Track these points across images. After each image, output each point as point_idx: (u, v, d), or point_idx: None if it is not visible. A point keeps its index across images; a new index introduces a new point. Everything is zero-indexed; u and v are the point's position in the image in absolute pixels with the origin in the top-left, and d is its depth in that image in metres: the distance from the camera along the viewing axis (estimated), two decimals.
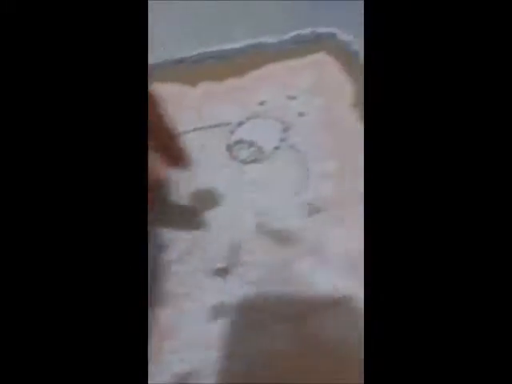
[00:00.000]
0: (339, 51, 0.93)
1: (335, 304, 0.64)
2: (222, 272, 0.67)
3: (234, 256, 0.68)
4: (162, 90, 0.93)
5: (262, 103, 0.91)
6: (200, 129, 0.88)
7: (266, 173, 0.80)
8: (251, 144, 0.85)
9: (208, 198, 0.76)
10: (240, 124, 0.88)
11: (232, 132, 0.87)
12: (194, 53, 1.00)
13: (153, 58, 0.98)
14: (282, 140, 0.84)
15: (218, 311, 0.64)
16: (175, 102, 0.92)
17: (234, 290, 0.65)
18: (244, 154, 0.83)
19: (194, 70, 0.99)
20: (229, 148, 0.84)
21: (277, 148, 0.83)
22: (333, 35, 0.97)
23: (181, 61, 0.99)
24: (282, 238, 0.69)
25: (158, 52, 1.00)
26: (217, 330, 0.62)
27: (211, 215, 0.74)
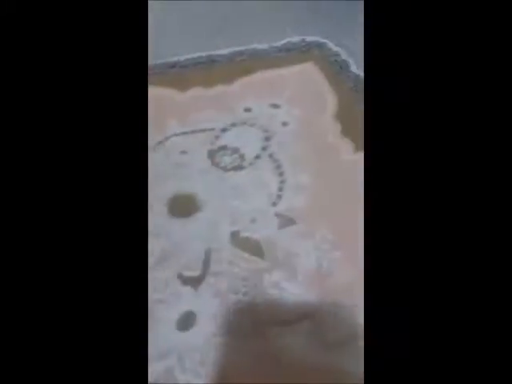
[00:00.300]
0: (326, 61, 0.94)
1: (303, 317, 0.65)
2: (194, 281, 0.69)
3: (206, 265, 0.70)
4: (151, 94, 0.95)
5: (247, 110, 0.93)
6: (185, 133, 0.89)
7: (246, 181, 0.81)
8: (234, 151, 0.86)
9: (188, 204, 0.78)
10: (224, 130, 0.90)
11: (216, 137, 0.88)
12: (186, 58, 1.01)
13: None
14: (263, 149, 0.85)
15: (187, 321, 0.66)
16: (163, 105, 0.93)
17: (204, 300, 0.67)
18: (226, 160, 0.85)
19: (184, 74, 1.00)
20: (211, 154, 0.86)
21: (257, 157, 0.84)
22: (322, 44, 0.98)
23: (172, 65, 1.00)
24: (254, 248, 0.71)
25: (149, 56, 1.02)
26: (186, 339, 0.64)
27: (190, 220, 0.76)
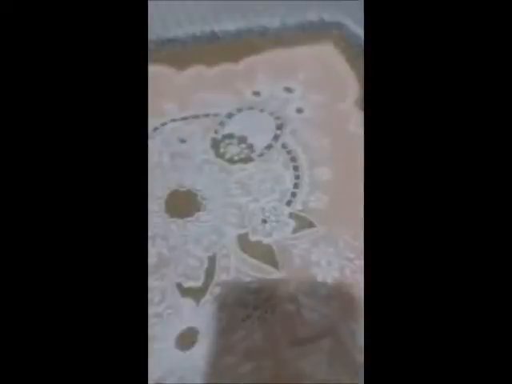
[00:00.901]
0: (347, 44, 0.83)
1: (323, 335, 0.56)
2: (196, 292, 0.59)
3: (209, 274, 0.60)
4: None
5: (256, 93, 0.82)
6: (185, 119, 0.79)
7: (255, 175, 0.71)
8: (241, 140, 0.76)
9: (188, 201, 0.68)
10: (230, 116, 0.79)
11: (221, 124, 0.78)
12: (185, 32, 0.90)
13: None
14: (275, 138, 0.75)
15: (188, 338, 0.56)
16: (159, 85, 0.83)
17: (208, 315, 0.57)
18: (232, 150, 0.74)
19: (183, 51, 0.89)
20: (215, 143, 0.75)
21: (268, 147, 0.74)
22: (342, 26, 0.87)
23: (169, 41, 0.89)
24: (266, 255, 0.61)
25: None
26: (187, 360, 0.55)
27: (191, 221, 0.66)
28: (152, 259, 0.62)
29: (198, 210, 0.67)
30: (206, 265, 0.61)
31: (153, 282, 0.60)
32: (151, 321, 0.57)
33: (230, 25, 0.92)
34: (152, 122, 0.76)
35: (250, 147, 0.75)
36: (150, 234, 0.64)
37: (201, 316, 0.57)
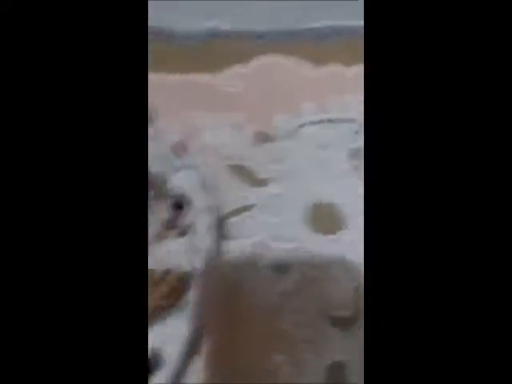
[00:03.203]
0: None
1: None
2: (344, 323, 0.56)
3: (358, 305, 0.57)
4: (275, 64, 0.79)
5: None
6: (322, 122, 0.74)
7: None
8: None
9: (330, 216, 0.64)
10: None
11: (357, 132, 0.73)
12: (325, 24, 0.84)
13: (269, 26, 0.82)
14: None
15: (335, 372, 0.54)
16: (293, 81, 0.77)
17: (355, 349, 0.55)
18: None
19: (317, 45, 0.83)
20: (352, 153, 0.71)
21: None
22: None
23: (301, 33, 0.83)
24: None
25: (273, 19, 0.84)
26: None
27: (334, 240, 0.62)
28: (294, 276, 0.59)
29: (340, 229, 0.64)
30: (352, 294, 0.58)
31: (301, 303, 0.57)
32: (301, 346, 0.55)
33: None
34: (290, 123, 0.72)
35: None
36: (290, 246, 0.61)
37: (349, 350, 0.55)
